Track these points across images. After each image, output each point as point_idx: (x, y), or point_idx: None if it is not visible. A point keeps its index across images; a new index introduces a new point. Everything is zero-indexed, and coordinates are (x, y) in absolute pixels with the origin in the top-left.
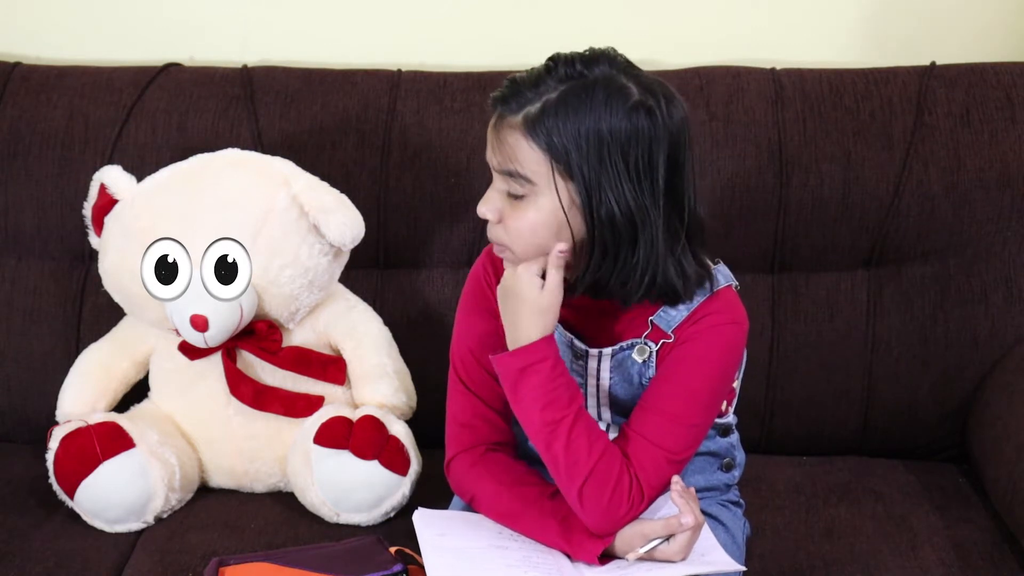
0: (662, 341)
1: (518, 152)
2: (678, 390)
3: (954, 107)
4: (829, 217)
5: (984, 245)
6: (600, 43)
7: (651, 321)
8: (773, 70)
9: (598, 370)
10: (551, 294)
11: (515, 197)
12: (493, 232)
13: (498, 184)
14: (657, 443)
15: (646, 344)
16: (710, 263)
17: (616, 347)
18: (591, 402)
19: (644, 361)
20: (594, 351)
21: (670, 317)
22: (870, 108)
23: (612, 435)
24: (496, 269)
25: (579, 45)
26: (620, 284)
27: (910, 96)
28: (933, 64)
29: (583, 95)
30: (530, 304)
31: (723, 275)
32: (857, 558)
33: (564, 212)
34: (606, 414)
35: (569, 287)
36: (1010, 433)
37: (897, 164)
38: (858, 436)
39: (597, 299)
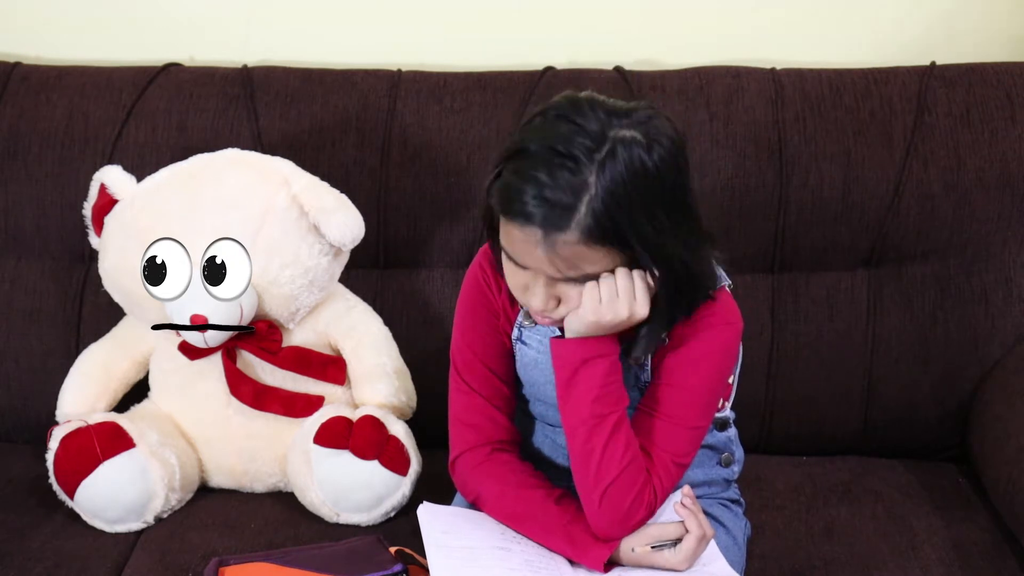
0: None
1: (581, 261)
2: (677, 394)
3: (954, 107)
4: (829, 217)
5: (984, 245)
6: (600, 42)
7: None
8: (773, 70)
9: None
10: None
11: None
12: (551, 315)
13: (546, 282)
14: (663, 448)
15: None
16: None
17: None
18: None
19: (640, 365)
20: None
21: None
22: (870, 108)
23: None
24: (493, 269)
25: (579, 45)
26: (686, 311)
27: (910, 96)
28: (933, 64)
29: (617, 177)
30: (616, 326)
31: (719, 276)
32: (857, 558)
33: (643, 278)
34: None
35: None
36: (1010, 433)
37: (897, 164)
38: (858, 436)
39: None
